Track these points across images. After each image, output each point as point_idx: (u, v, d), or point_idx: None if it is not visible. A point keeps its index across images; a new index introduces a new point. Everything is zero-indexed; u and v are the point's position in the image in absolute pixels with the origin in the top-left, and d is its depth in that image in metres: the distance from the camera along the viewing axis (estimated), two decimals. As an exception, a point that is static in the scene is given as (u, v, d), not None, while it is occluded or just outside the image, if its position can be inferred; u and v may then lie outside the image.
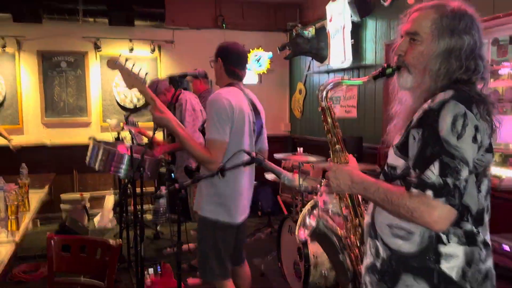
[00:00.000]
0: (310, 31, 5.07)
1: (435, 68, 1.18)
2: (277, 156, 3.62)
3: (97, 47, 5.49)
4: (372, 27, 4.43)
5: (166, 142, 3.75)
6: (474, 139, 1.07)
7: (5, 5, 4.84)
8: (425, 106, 1.14)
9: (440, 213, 1.04)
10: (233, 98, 2.11)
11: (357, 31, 4.55)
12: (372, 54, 4.45)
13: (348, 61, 4.56)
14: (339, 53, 4.67)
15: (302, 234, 1.46)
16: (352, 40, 4.49)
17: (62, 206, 5.28)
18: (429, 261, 1.13)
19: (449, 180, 1.04)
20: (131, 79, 2.13)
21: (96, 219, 5.32)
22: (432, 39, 1.18)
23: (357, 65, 4.61)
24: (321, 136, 4.50)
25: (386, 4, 4.05)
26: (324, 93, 1.32)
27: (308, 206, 1.54)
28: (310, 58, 5.46)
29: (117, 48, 5.60)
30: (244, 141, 2.15)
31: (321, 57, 5.09)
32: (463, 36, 1.16)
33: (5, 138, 4.70)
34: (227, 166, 1.77)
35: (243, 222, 2.29)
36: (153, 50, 5.71)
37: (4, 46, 5.17)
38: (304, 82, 5.98)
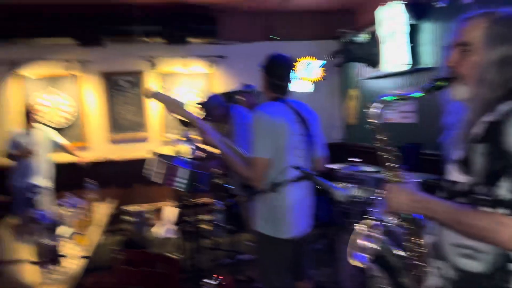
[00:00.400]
0: (362, 37, 4.98)
1: (491, 77, 1.12)
2: (330, 166, 3.56)
3: (153, 65, 5.76)
4: (428, 30, 4.27)
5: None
6: None
7: (69, 31, 5.22)
8: (487, 118, 1.09)
9: None
10: (273, 113, 2.09)
11: (412, 34, 4.40)
12: (429, 56, 4.28)
13: (404, 65, 4.42)
14: (392, 57, 4.54)
15: (358, 258, 1.42)
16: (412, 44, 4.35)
17: (127, 218, 5.54)
18: (499, 281, 1.07)
19: None
20: (170, 105, 2.18)
21: (158, 230, 5.54)
22: (485, 48, 1.13)
23: (413, 69, 4.45)
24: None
25: (442, 5, 3.88)
26: (373, 111, 1.28)
27: (360, 227, 1.49)
28: (363, 64, 5.36)
29: (172, 66, 5.83)
30: (289, 156, 2.12)
31: (374, 62, 4.97)
32: None
33: (74, 155, 5.03)
34: (276, 182, 1.77)
35: (303, 236, 2.25)
36: (206, 66, 5.88)
37: (70, 70, 5.56)
38: (358, 88, 5.87)
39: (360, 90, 5.84)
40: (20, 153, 4.55)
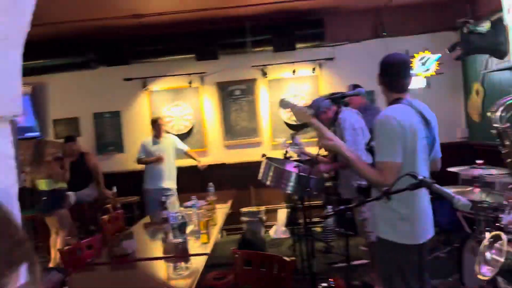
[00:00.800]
0: (484, 26, 4.53)
1: None
2: (453, 169, 3.32)
3: (264, 74, 6.00)
4: None
5: (329, 160, 3.83)
6: None
7: (190, 48, 5.73)
8: None
9: None
10: (402, 117, 2.04)
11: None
12: None
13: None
14: (524, 45, 4.03)
15: (486, 272, 1.32)
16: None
17: (242, 218, 5.85)
18: None
19: None
20: (300, 115, 2.35)
21: (272, 231, 5.75)
22: None
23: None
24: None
25: None
26: (498, 114, 1.20)
27: (488, 238, 1.39)
28: (487, 55, 4.86)
29: (280, 72, 6.00)
30: (418, 160, 2.06)
31: (501, 53, 4.48)
32: None
33: (195, 159, 5.49)
34: (394, 189, 1.74)
35: (426, 242, 2.17)
36: (314, 69, 5.92)
37: (190, 82, 6.09)
38: (482, 82, 5.33)
39: (485, 84, 5.30)
40: (151, 159, 5.14)
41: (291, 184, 3.29)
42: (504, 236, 1.31)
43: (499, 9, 4.35)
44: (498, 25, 4.42)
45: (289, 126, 6.03)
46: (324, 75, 5.98)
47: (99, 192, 5.32)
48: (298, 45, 5.64)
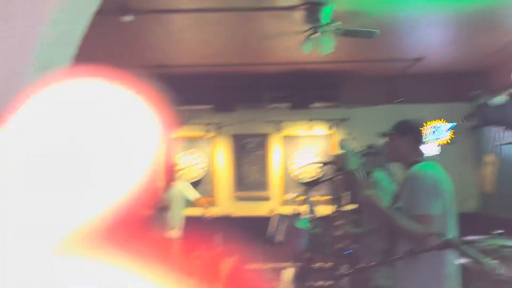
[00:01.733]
0: (499, 99, 4.64)
1: None
2: (467, 238, 3.25)
3: (278, 129, 6.10)
4: None
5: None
6: None
7: (208, 99, 5.90)
8: None
9: None
10: (438, 174, 2.08)
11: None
12: None
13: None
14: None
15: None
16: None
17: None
18: None
19: None
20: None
21: (276, 291, 5.54)
22: None
23: None
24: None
25: None
26: None
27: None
28: (500, 127, 4.93)
29: (295, 129, 6.10)
30: (449, 219, 2.06)
31: (515, 126, 4.55)
32: None
33: (204, 209, 5.44)
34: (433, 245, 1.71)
35: None
36: (328, 128, 6.02)
37: (206, 132, 6.19)
38: (495, 153, 5.36)
39: (497, 156, 5.32)
40: (159, 206, 5.10)
41: (303, 241, 3.23)
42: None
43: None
44: (513, 99, 4.53)
45: (302, 183, 6.02)
46: (338, 134, 6.06)
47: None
48: (315, 104, 5.77)
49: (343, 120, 6.01)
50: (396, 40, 4.85)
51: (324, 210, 4.39)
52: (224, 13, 3.95)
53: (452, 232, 2.02)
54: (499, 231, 3.16)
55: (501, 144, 5.19)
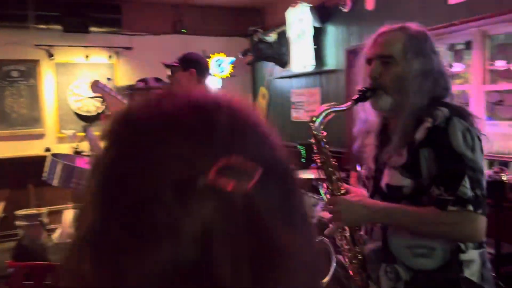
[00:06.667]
0: (272, 36, 5.09)
1: (415, 88, 1.20)
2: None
3: (50, 55, 5.25)
4: (332, 33, 4.50)
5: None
6: (481, 150, 1.14)
7: None
8: (426, 125, 1.16)
9: (481, 224, 1.09)
10: None
11: (318, 36, 4.59)
12: (333, 59, 4.51)
13: (310, 66, 4.61)
14: (301, 58, 4.71)
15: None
16: (315, 46, 4.54)
17: (18, 223, 4.99)
18: (453, 272, 1.16)
19: (478, 192, 1.09)
20: (114, 102, 2.07)
21: (56, 235, 5.08)
22: (406, 60, 1.21)
23: (319, 70, 4.66)
24: (289, 142, 4.49)
25: (345, 10, 4.12)
26: (317, 124, 1.30)
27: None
28: (273, 63, 5.47)
29: (71, 56, 5.38)
30: None
31: (283, 62, 5.11)
32: (431, 55, 1.22)
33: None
34: None
35: None
36: (110, 57, 5.53)
37: None
38: (267, 87, 5.98)
39: (269, 89, 5.96)
40: None
41: (81, 182, 2.95)
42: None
43: (285, 22, 4.97)
44: (283, 37, 5.03)
45: (79, 116, 5.45)
46: (121, 64, 5.64)
47: None
48: (92, 29, 5.14)
49: (125, 48, 5.60)
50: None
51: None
52: None
53: None
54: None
55: (273, 78, 5.82)
